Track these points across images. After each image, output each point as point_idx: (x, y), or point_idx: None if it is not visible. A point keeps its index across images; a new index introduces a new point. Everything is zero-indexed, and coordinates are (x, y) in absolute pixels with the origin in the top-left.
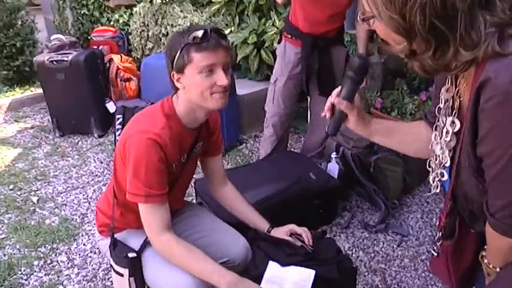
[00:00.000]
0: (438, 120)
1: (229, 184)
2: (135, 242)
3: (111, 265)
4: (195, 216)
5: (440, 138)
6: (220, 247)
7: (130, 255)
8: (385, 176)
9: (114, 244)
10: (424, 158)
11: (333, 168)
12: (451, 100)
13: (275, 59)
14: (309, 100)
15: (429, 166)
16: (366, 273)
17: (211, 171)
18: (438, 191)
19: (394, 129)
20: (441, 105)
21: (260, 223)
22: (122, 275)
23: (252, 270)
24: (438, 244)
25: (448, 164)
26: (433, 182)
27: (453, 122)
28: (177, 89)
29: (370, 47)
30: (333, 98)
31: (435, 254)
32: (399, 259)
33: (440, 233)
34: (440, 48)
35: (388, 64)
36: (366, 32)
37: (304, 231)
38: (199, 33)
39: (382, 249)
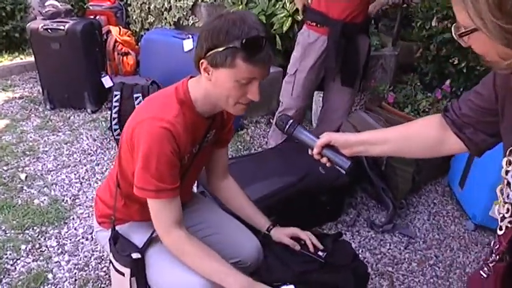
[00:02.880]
0: None
1: (229, 177)
2: (138, 238)
3: (110, 261)
4: (203, 210)
5: None
6: (231, 246)
7: (135, 256)
8: (396, 174)
9: (115, 238)
10: (429, 157)
11: None
12: None
13: (283, 43)
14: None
15: (501, 194)
16: (374, 276)
17: (214, 163)
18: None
19: (382, 139)
20: None
21: (260, 221)
22: (122, 274)
23: (265, 274)
24: (491, 266)
25: None
26: (504, 214)
27: None
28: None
29: (384, 38)
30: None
31: (484, 276)
32: (407, 262)
33: (497, 257)
34: None
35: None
36: None
37: (308, 237)
38: (254, 40)
39: (389, 251)
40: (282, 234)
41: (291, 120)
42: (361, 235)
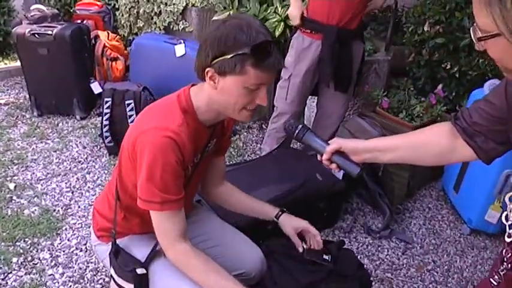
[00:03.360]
0: None
1: (226, 183)
2: (139, 251)
3: (111, 275)
4: (203, 221)
5: None
6: (233, 258)
7: (140, 271)
8: (392, 180)
9: (116, 253)
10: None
11: None
12: None
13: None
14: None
15: (510, 201)
16: (373, 283)
17: (213, 171)
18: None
19: (392, 146)
20: None
21: (267, 209)
22: None
23: (270, 286)
24: (502, 274)
25: None
26: None
27: None
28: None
29: (377, 44)
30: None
31: (495, 283)
32: (405, 268)
33: (509, 265)
34: None
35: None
36: None
37: (315, 235)
38: (263, 45)
39: (387, 256)
40: (290, 227)
41: (301, 126)
42: (359, 241)
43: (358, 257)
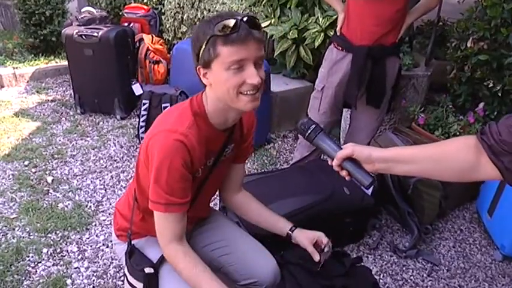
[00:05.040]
0: None
1: (243, 191)
2: (153, 253)
3: (124, 274)
4: (219, 228)
5: None
6: (247, 266)
7: (147, 270)
8: (422, 199)
9: (131, 252)
10: (458, 182)
11: None
12: None
13: (314, 58)
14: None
15: None
16: None
17: (231, 177)
18: None
19: (410, 158)
20: None
21: (280, 224)
22: None
23: None
24: None
25: None
26: None
27: None
28: (205, 85)
29: (417, 58)
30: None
31: None
32: None
33: None
34: None
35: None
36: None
37: (327, 244)
38: (227, 23)
39: (411, 277)
40: (304, 238)
41: (314, 126)
42: (384, 259)
43: (381, 275)
